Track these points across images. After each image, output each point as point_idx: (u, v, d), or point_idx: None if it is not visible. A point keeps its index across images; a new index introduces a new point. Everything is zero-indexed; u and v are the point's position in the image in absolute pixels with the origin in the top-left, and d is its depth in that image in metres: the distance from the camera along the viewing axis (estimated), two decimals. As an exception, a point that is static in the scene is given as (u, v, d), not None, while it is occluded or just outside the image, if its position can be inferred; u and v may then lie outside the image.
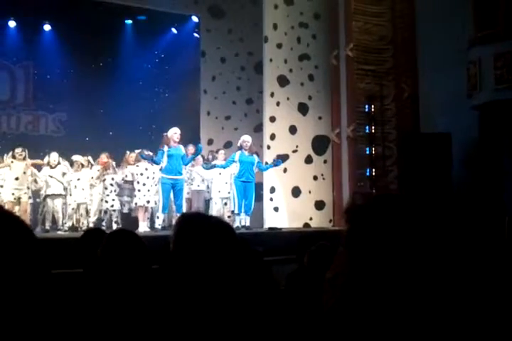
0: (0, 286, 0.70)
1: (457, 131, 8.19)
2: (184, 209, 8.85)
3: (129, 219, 9.08)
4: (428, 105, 9.01)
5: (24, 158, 8.17)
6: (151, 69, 11.86)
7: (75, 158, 8.64)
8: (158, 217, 8.23)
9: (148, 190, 8.43)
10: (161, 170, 8.14)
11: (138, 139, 10.15)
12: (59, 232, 8.33)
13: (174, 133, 8.05)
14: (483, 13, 8.13)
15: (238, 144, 8.51)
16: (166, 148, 7.97)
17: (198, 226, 1.60)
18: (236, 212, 8.28)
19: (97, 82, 11.12)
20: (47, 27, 11.24)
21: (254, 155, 8.45)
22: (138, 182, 8.45)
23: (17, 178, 8.10)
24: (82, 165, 8.60)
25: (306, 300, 2.32)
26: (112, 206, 8.64)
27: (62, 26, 10.97)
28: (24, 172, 8.16)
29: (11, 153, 8.20)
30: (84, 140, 10.79)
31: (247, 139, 8.42)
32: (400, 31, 9.40)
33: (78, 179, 8.52)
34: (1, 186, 8.18)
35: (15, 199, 8.05)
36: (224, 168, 8.52)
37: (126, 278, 2.06)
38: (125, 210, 9.04)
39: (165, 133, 8.13)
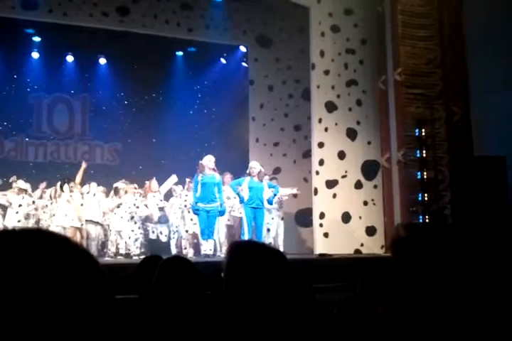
0: (72, 319, 0.73)
1: (512, 154, 7.96)
2: (223, 236, 9.00)
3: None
4: (480, 128, 8.81)
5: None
6: (201, 99, 12.18)
7: (119, 185, 8.92)
8: (202, 245, 8.33)
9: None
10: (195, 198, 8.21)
11: (189, 167, 10.35)
12: (106, 258, 8.51)
13: (209, 160, 8.16)
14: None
15: (247, 171, 8.62)
16: (200, 177, 8.06)
17: (250, 255, 1.64)
18: (246, 237, 8.17)
19: (150, 112, 11.52)
20: (102, 61, 11.76)
21: (264, 182, 8.57)
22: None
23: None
24: (126, 192, 8.85)
25: (359, 328, 2.29)
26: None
27: (117, 60, 11.46)
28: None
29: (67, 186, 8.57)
30: (138, 168, 11.10)
31: (253, 165, 8.58)
32: (449, 54, 9.29)
33: (118, 206, 8.73)
34: (55, 215, 8.51)
35: (72, 226, 8.39)
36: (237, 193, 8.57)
37: (180, 304, 2.11)
38: (153, 237, 9.41)
39: (200, 161, 8.21)
